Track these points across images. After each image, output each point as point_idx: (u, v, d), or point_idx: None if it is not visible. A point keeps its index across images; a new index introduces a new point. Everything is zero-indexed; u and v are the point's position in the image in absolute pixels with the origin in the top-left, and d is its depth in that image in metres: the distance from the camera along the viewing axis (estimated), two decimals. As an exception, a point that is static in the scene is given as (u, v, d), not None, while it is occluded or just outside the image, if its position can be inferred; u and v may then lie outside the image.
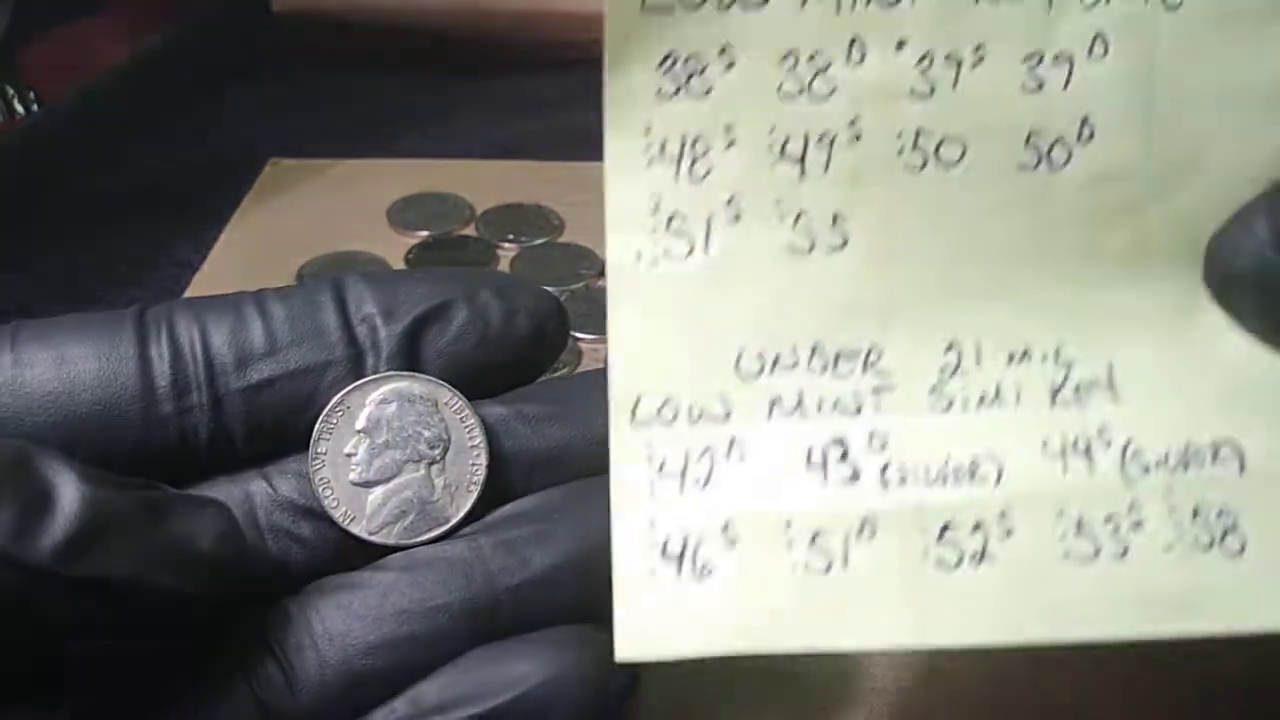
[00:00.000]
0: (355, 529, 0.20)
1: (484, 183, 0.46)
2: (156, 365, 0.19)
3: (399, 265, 0.42)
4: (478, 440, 0.20)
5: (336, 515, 0.20)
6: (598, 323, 0.38)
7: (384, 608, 0.18)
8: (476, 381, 0.20)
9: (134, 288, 0.41)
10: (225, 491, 0.19)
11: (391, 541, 0.20)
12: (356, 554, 0.20)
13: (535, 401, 0.21)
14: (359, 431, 0.20)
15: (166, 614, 0.17)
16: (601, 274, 0.41)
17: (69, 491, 0.16)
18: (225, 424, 0.19)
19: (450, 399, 0.20)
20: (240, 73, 0.57)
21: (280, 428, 0.20)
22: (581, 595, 0.19)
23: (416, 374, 0.20)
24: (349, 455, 0.20)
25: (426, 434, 0.20)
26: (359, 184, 0.47)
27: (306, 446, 0.20)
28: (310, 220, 0.45)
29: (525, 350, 0.21)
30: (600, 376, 0.18)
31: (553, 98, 0.55)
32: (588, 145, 0.56)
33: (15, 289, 0.41)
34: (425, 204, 0.45)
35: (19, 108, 0.51)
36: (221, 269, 0.42)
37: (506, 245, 0.43)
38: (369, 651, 0.18)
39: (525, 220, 0.44)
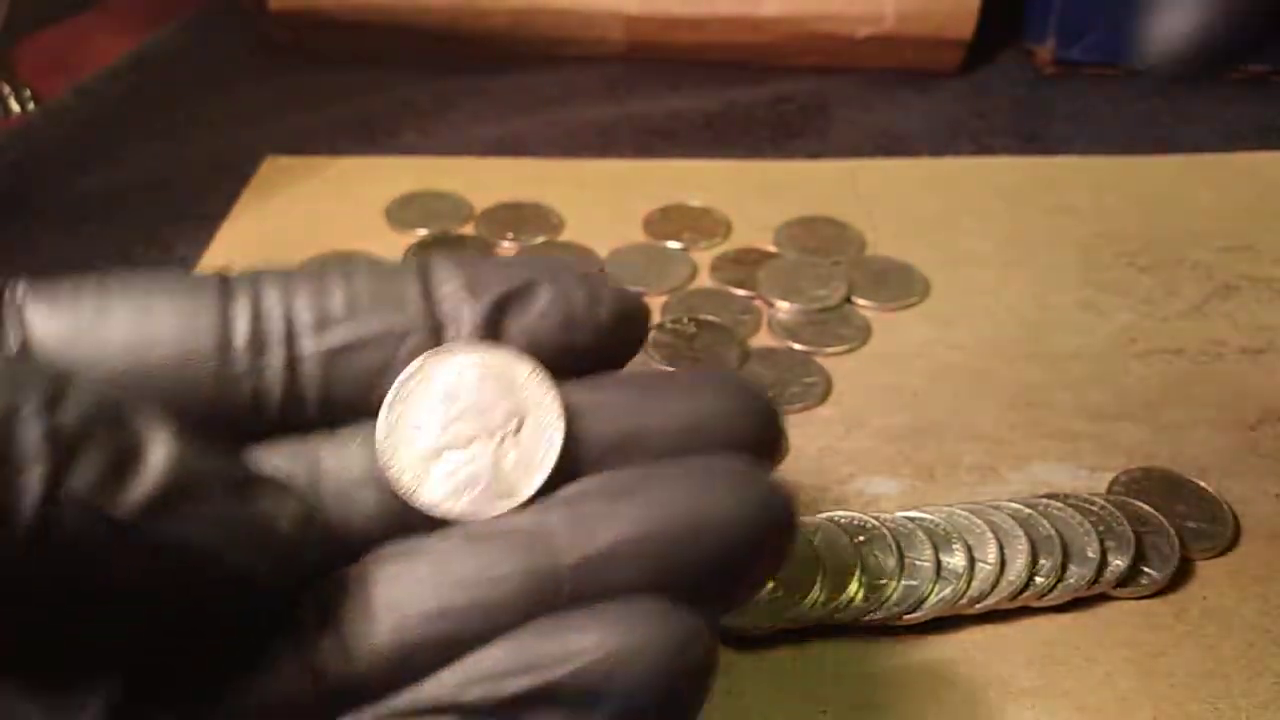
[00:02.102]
0: (419, 499, 0.19)
1: (483, 181, 0.46)
2: (236, 322, 0.19)
3: (397, 264, 0.42)
4: (554, 417, 0.19)
5: (401, 484, 0.19)
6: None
7: (441, 575, 0.18)
8: (556, 364, 0.20)
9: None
10: (290, 453, 0.19)
11: (456, 514, 0.19)
12: (420, 525, 0.19)
13: (613, 386, 0.20)
14: (432, 400, 0.19)
15: (234, 592, 0.17)
16: (601, 273, 0.41)
17: (159, 448, 0.15)
18: (299, 386, 0.19)
19: (530, 373, 0.19)
20: (237, 70, 0.57)
21: (355, 394, 0.19)
22: (650, 572, 0.18)
23: (497, 345, 0.20)
24: (420, 423, 0.19)
25: (502, 407, 0.19)
26: (357, 182, 0.47)
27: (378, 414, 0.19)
28: (308, 218, 0.45)
29: (606, 338, 0.21)
30: (682, 370, 0.18)
31: (552, 95, 0.55)
32: (587, 143, 0.56)
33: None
34: (423, 202, 0.45)
35: (15, 106, 0.51)
36: (219, 267, 0.42)
37: (505, 244, 0.43)
38: (424, 619, 0.18)
39: (524, 219, 0.44)
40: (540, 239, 0.43)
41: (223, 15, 0.61)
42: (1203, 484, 0.31)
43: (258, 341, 0.19)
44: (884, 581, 0.28)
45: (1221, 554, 0.30)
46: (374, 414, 0.19)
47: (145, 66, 0.56)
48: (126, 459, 0.15)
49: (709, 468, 0.19)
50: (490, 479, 0.19)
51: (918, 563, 0.28)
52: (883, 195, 0.46)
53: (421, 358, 0.19)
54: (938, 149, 0.50)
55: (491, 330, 0.20)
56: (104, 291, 0.19)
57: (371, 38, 0.57)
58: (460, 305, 0.20)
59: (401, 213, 0.44)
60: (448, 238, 0.43)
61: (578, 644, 0.17)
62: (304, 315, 0.19)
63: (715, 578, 0.18)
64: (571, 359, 0.20)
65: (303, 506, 0.17)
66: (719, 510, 0.18)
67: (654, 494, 0.18)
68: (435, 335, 0.20)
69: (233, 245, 0.43)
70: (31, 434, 0.14)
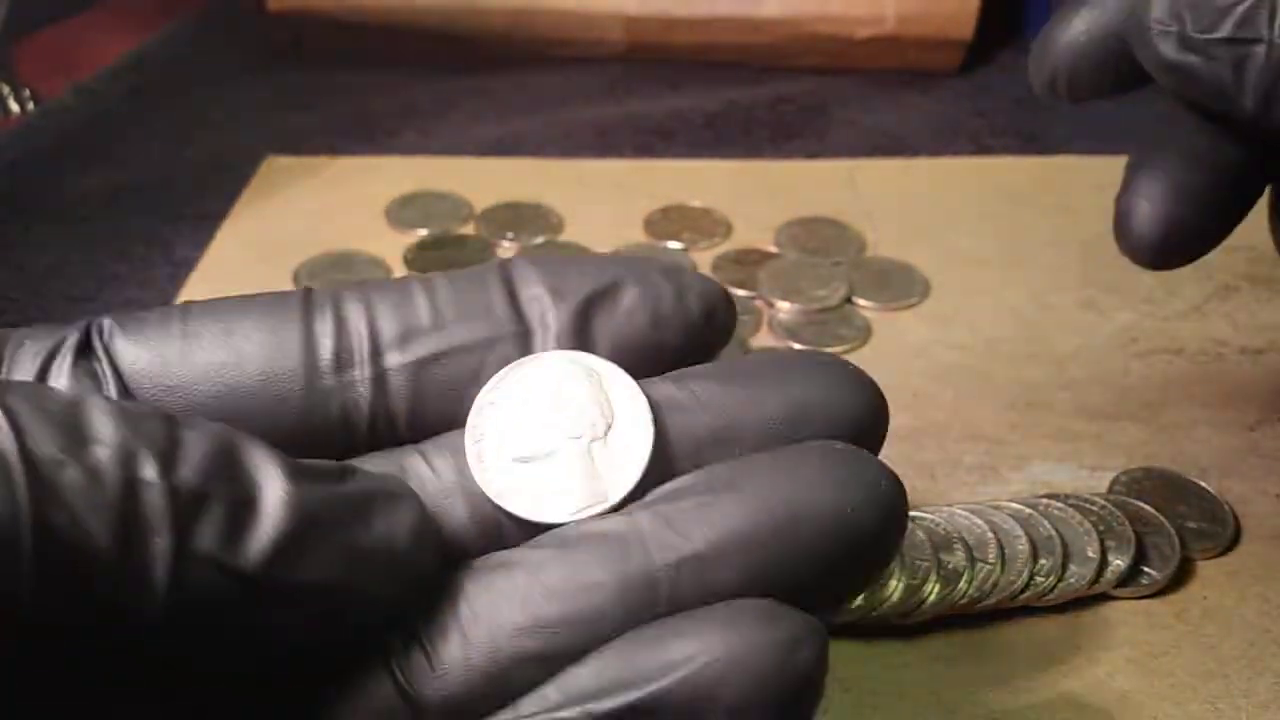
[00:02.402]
0: (510, 506, 0.18)
1: (482, 181, 0.46)
2: (320, 340, 0.18)
3: (397, 264, 0.42)
4: (643, 417, 0.19)
5: (491, 491, 0.18)
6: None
7: (533, 586, 0.17)
8: (646, 362, 0.20)
9: (131, 286, 0.41)
10: (380, 467, 0.19)
11: (548, 520, 0.18)
12: (511, 533, 0.19)
13: (704, 379, 0.20)
14: (520, 406, 0.19)
15: (356, 619, 0.17)
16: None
17: (274, 490, 0.15)
18: (388, 400, 0.19)
19: (617, 375, 0.19)
20: (237, 70, 0.57)
21: (445, 406, 0.19)
22: (751, 571, 0.17)
23: (582, 352, 0.19)
24: (508, 430, 0.19)
25: (590, 410, 0.19)
26: (356, 182, 0.47)
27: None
28: (308, 218, 0.45)
29: (696, 332, 0.20)
30: (771, 354, 0.18)
31: (552, 95, 0.55)
32: (587, 143, 0.56)
33: (11, 287, 0.40)
34: (423, 202, 0.45)
35: (15, 106, 0.51)
36: (219, 267, 0.42)
37: (505, 244, 0.43)
38: (517, 633, 0.17)
39: (524, 219, 0.44)
40: (540, 239, 0.43)
41: (223, 15, 0.61)
42: (1203, 484, 0.31)
43: (343, 358, 0.18)
44: (884, 581, 0.27)
45: (1222, 554, 0.30)
46: (464, 424, 0.19)
47: (145, 66, 0.56)
48: (244, 509, 0.15)
49: (808, 456, 0.18)
50: (581, 483, 0.19)
51: (918, 562, 0.28)
52: (883, 195, 0.46)
53: (509, 366, 0.19)
54: (938, 149, 0.50)
55: (579, 333, 0.19)
56: (188, 318, 0.19)
57: (371, 38, 0.57)
58: (546, 309, 0.19)
59: (401, 213, 0.44)
60: (448, 238, 0.43)
61: (680, 652, 0.16)
62: (388, 328, 0.19)
63: (821, 573, 0.18)
64: (662, 355, 0.20)
65: (416, 514, 0.17)
66: (820, 501, 0.17)
67: (750, 488, 0.18)
68: (523, 341, 0.19)
69: (232, 246, 0.43)
70: (154, 499, 0.14)
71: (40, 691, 0.15)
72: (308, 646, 0.16)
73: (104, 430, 0.14)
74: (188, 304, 0.19)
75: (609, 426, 0.19)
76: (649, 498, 0.18)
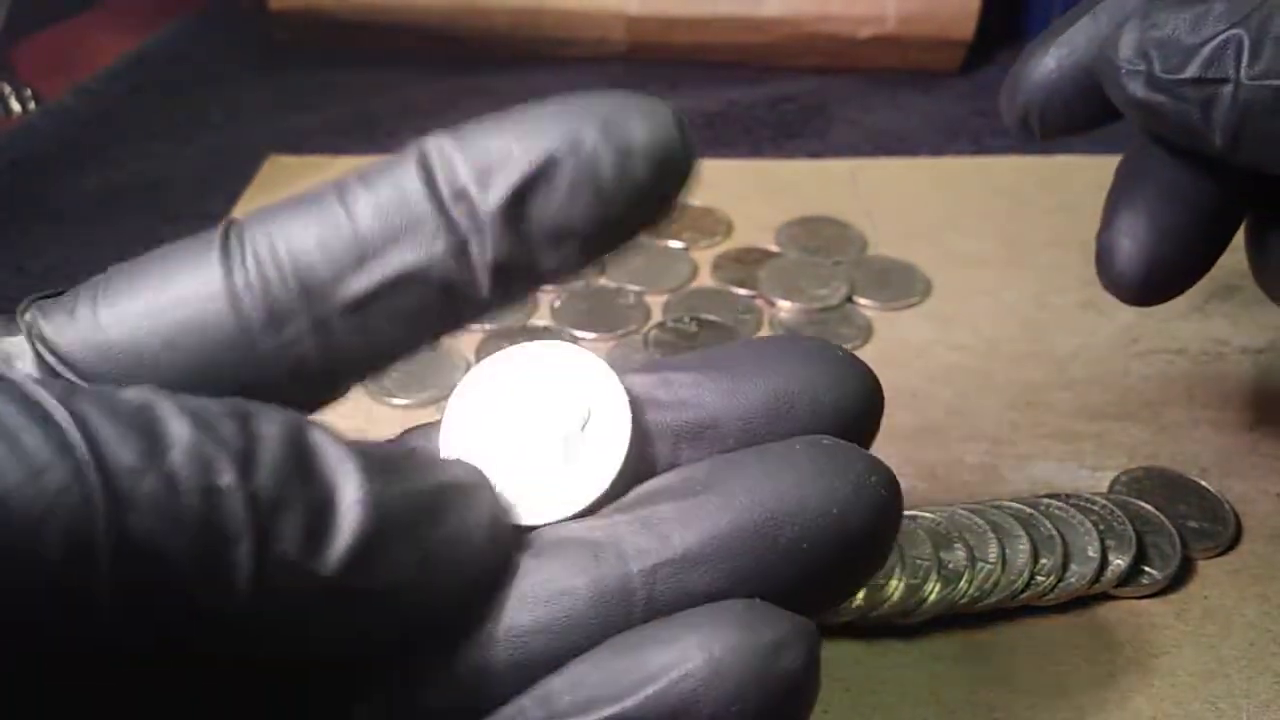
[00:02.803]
0: None
1: (483, 180, 0.46)
2: (247, 299, 0.17)
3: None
4: (621, 413, 0.18)
5: None
6: (599, 322, 0.38)
7: (504, 594, 0.17)
8: (596, 241, 0.18)
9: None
10: None
11: (520, 522, 0.18)
12: None
13: (683, 370, 0.19)
14: (492, 403, 0.18)
15: (435, 613, 0.16)
16: (602, 272, 0.41)
17: (350, 489, 0.15)
18: (334, 349, 0.17)
19: (592, 367, 0.19)
20: (237, 70, 0.57)
21: (396, 338, 0.18)
22: (731, 576, 0.17)
23: (556, 341, 0.19)
24: (481, 428, 0.18)
25: (565, 407, 0.18)
26: (357, 182, 0.47)
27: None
28: (308, 218, 0.44)
29: (648, 196, 0.19)
30: (753, 342, 0.18)
31: (553, 95, 0.55)
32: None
33: (11, 287, 0.40)
34: (424, 202, 0.45)
35: (16, 106, 0.51)
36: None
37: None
38: (488, 643, 0.16)
39: (524, 218, 0.44)
40: (541, 239, 0.43)
41: (223, 15, 0.61)
42: (1203, 484, 0.31)
43: (276, 314, 0.17)
44: (884, 581, 0.27)
45: (1222, 554, 0.30)
46: (416, 349, 0.18)
47: (145, 66, 0.56)
48: (322, 512, 0.14)
49: (790, 453, 0.17)
50: (555, 483, 0.18)
51: (918, 562, 0.28)
52: (883, 195, 0.46)
53: (482, 362, 0.19)
54: (938, 149, 0.50)
55: (515, 233, 0.18)
56: (106, 297, 0.18)
57: (372, 38, 0.57)
58: (475, 208, 0.18)
59: (402, 212, 0.44)
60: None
61: (657, 661, 0.16)
62: (315, 269, 0.17)
63: (810, 575, 0.17)
64: (613, 231, 0.18)
65: (490, 505, 0.17)
66: (804, 500, 0.17)
67: (730, 489, 0.17)
68: (459, 254, 0.18)
69: (233, 245, 0.43)
70: (233, 507, 0.14)
71: (114, 696, 0.15)
72: (382, 641, 0.16)
73: (179, 434, 0.14)
74: (107, 277, 0.18)
75: (585, 422, 0.18)
76: (626, 499, 0.18)
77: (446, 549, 0.16)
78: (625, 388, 0.19)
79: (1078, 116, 0.26)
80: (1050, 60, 0.26)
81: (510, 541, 0.17)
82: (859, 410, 0.19)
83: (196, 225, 0.48)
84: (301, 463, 0.15)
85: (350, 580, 0.15)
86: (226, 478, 0.14)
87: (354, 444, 0.15)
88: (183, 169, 0.48)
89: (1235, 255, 0.41)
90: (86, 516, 0.13)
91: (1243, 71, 0.22)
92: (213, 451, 0.14)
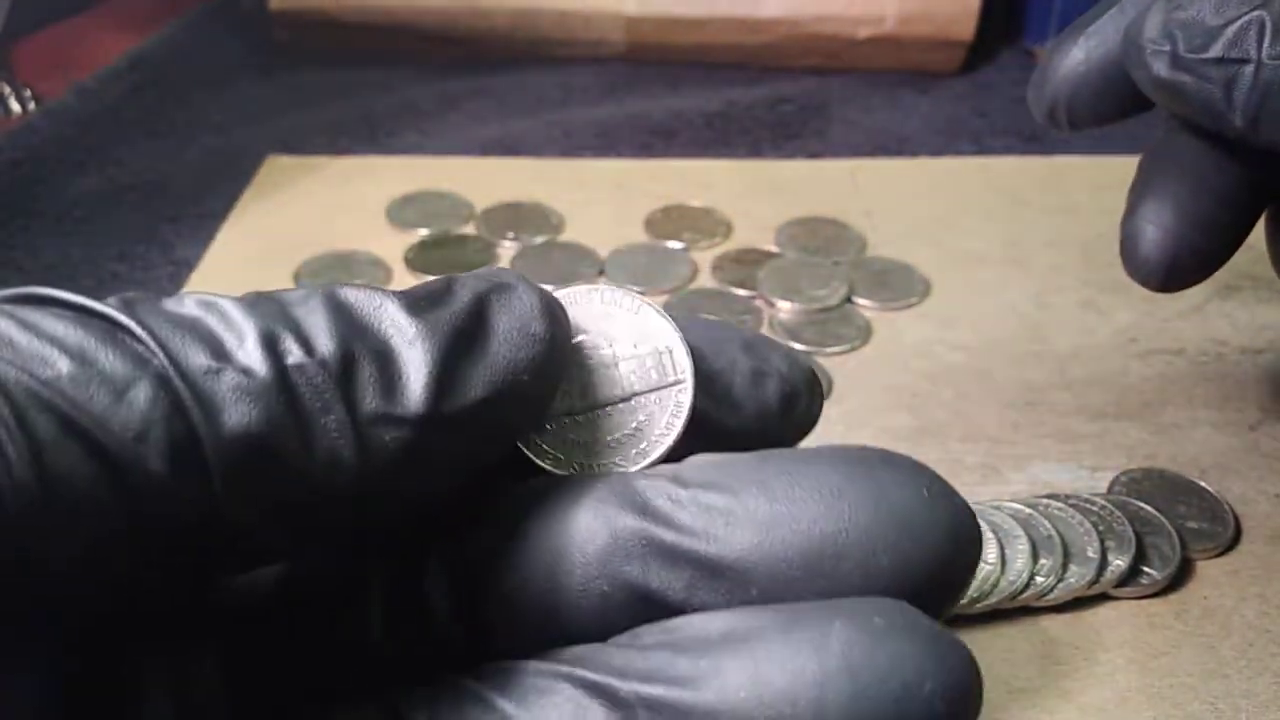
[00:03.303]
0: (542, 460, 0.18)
1: (483, 181, 0.46)
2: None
3: (398, 263, 0.42)
4: (686, 383, 0.18)
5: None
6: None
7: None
8: (706, 448, 0.17)
9: (131, 286, 0.41)
10: None
11: (566, 465, 0.18)
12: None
13: (711, 486, 0.16)
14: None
15: (530, 408, 0.16)
16: (602, 273, 0.41)
17: (403, 331, 0.15)
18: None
19: (665, 329, 0.18)
20: (237, 70, 0.57)
21: None
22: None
23: (628, 293, 0.19)
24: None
25: (637, 359, 0.18)
26: (357, 181, 0.47)
27: None
28: (308, 218, 0.45)
29: (770, 421, 0.18)
30: (810, 454, 0.15)
31: (552, 95, 0.55)
32: (587, 143, 0.56)
33: (10, 287, 0.40)
34: (424, 202, 0.45)
35: (15, 106, 0.51)
36: (219, 267, 0.42)
37: (506, 244, 0.43)
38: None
39: (524, 219, 0.44)
40: (540, 239, 0.43)
41: (223, 15, 0.61)
42: (1203, 484, 0.31)
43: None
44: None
45: (1222, 554, 0.30)
46: None
47: (145, 66, 0.56)
48: (388, 359, 0.15)
49: (825, 638, 0.14)
50: (615, 432, 0.18)
51: (918, 563, 0.28)
52: (883, 195, 0.46)
53: (565, 291, 0.19)
54: (938, 149, 0.50)
55: None
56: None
57: (372, 37, 0.57)
58: None
59: (401, 213, 0.44)
60: (448, 238, 0.43)
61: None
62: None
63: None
64: (725, 441, 0.17)
65: (534, 292, 0.17)
66: (868, 696, 0.14)
67: (730, 682, 0.14)
68: None
69: (233, 245, 0.43)
70: (313, 379, 0.14)
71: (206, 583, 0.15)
72: (490, 457, 0.16)
73: (243, 327, 0.14)
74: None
75: (656, 385, 0.18)
76: (636, 641, 0.15)
77: (509, 348, 0.16)
78: (643, 495, 0.17)
79: (1106, 108, 0.26)
80: (1079, 52, 0.26)
81: (566, 318, 0.17)
82: (934, 573, 0.15)
83: (196, 225, 0.48)
84: (350, 321, 0.15)
85: (440, 411, 0.15)
86: (295, 355, 0.14)
87: (384, 290, 0.15)
88: (183, 169, 0.48)
89: (1236, 255, 0.41)
90: (183, 423, 0.13)
91: (1265, 51, 0.22)
92: (276, 332, 0.14)
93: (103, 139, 0.50)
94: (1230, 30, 0.23)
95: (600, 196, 0.46)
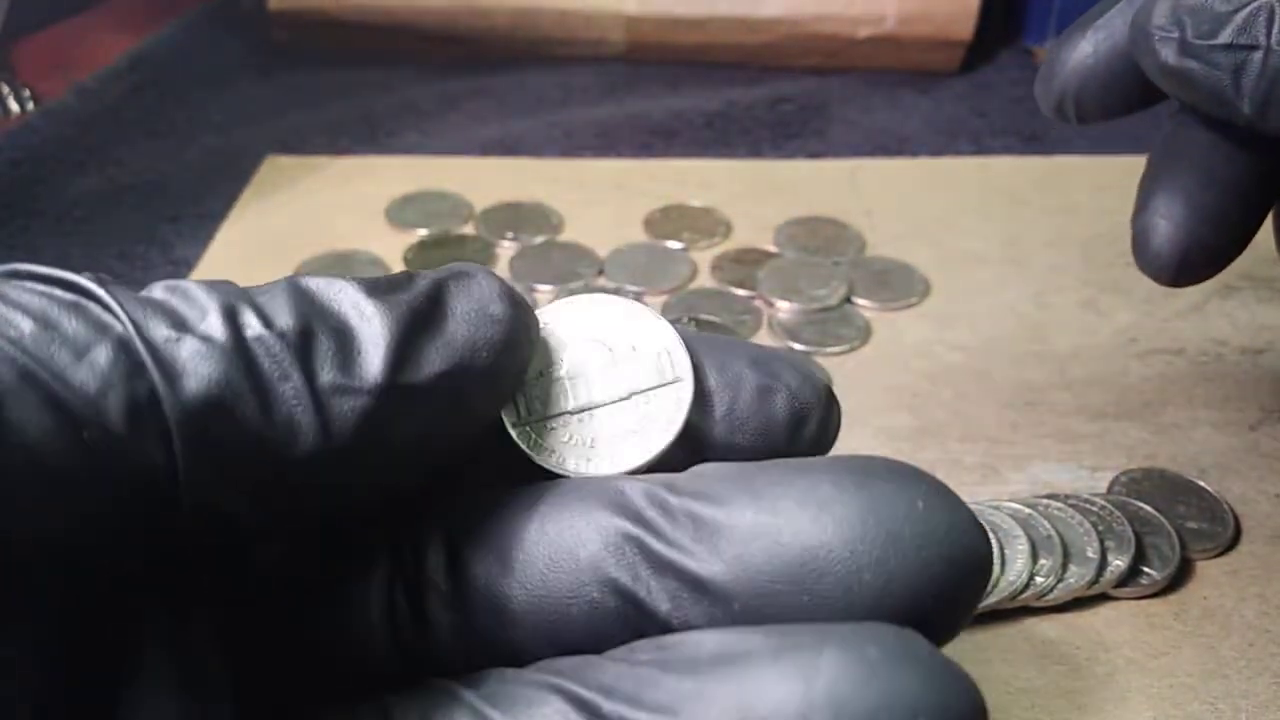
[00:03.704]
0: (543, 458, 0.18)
1: (483, 180, 0.46)
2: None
3: (397, 263, 0.42)
4: (683, 383, 0.18)
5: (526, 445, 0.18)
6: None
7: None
8: (711, 461, 0.17)
9: (131, 286, 0.40)
10: None
11: (558, 467, 0.18)
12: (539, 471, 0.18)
13: (709, 500, 0.16)
14: (567, 335, 0.18)
15: (490, 392, 0.16)
16: (601, 273, 0.41)
17: (361, 309, 0.15)
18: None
19: (662, 330, 0.18)
20: (237, 70, 0.57)
21: None
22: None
23: (626, 299, 0.19)
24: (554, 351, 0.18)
25: (637, 363, 0.18)
26: (357, 181, 0.47)
27: None
28: (308, 218, 0.45)
29: (776, 440, 0.17)
30: (810, 468, 0.15)
31: (552, 95, 0.55)
32: (587, 143, 0.56)
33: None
34: (423, 202, 0.45)
35: (15, 106, 0.51)
36: (219, 267, 0.42)
37: (505, 243, 0.43)
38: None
39: (524, 218, 0.44)
40: (540, 239, 0.43)
41: (223, 15, 0.61)
42: (1203, 484, 0.31)
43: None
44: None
45: (1222, 554, 0.30)
46: None
47: (145, 66, 0.56)
48: (346, 335, 0.15)
49: (814, 669, 0.13)
50: (609, 436, 0.18)
51: (918, 563, 0.28)
52: (883, 195, 0.46)
53: (558, 303, 0.19)
54: (938, 149, 0.50)
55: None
56: None
57: (372, 38, 0.57)
58: None
59: (401, 213, 0.44)
60: (448, 238, 0.43)
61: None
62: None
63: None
64: (730, 459, 0.17)
65: (493, 279, 0.17)
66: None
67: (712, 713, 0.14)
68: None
69: (233, 245, 0.43)
70: (272, 349, 0.15)
71: (195, 554, 0.16)
72: (455, 439, 0.16)
73: (205, 301, 0.15)
74: None
75: (654, 385, 0.18)
76: (630, 656, 0.15)
77: (467, 327, 0.16)
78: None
79: (1113, 102, 0.26)
80: (1087, 45, 0.26)
81: (531, 304, 0.17)
82: (914, 600, 0.14)
83: (196, 225, 0.48)
84: (310, 301, 0.15)
85: (397, 385, 0.15)
86: (254, 328, 0.15)
87: (344, 276, 0.16)
88: (183, 169, 0.48)
89: (1235, 255, 0.41)
90: (143, 384, 0.14)
91: (1274, 38, 0.22)
92: (236, 305, 0.15)
93: (103, 139, 0.50)
94: (1239, 16, 0.23)
95: (600, 196, 0.46)
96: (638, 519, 0.16)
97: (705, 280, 0.41)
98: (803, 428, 0.17)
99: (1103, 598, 0.28)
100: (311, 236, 0.43)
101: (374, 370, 0.15)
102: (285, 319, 0.15)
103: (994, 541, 0.28)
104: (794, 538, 0.15)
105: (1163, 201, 0.27)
